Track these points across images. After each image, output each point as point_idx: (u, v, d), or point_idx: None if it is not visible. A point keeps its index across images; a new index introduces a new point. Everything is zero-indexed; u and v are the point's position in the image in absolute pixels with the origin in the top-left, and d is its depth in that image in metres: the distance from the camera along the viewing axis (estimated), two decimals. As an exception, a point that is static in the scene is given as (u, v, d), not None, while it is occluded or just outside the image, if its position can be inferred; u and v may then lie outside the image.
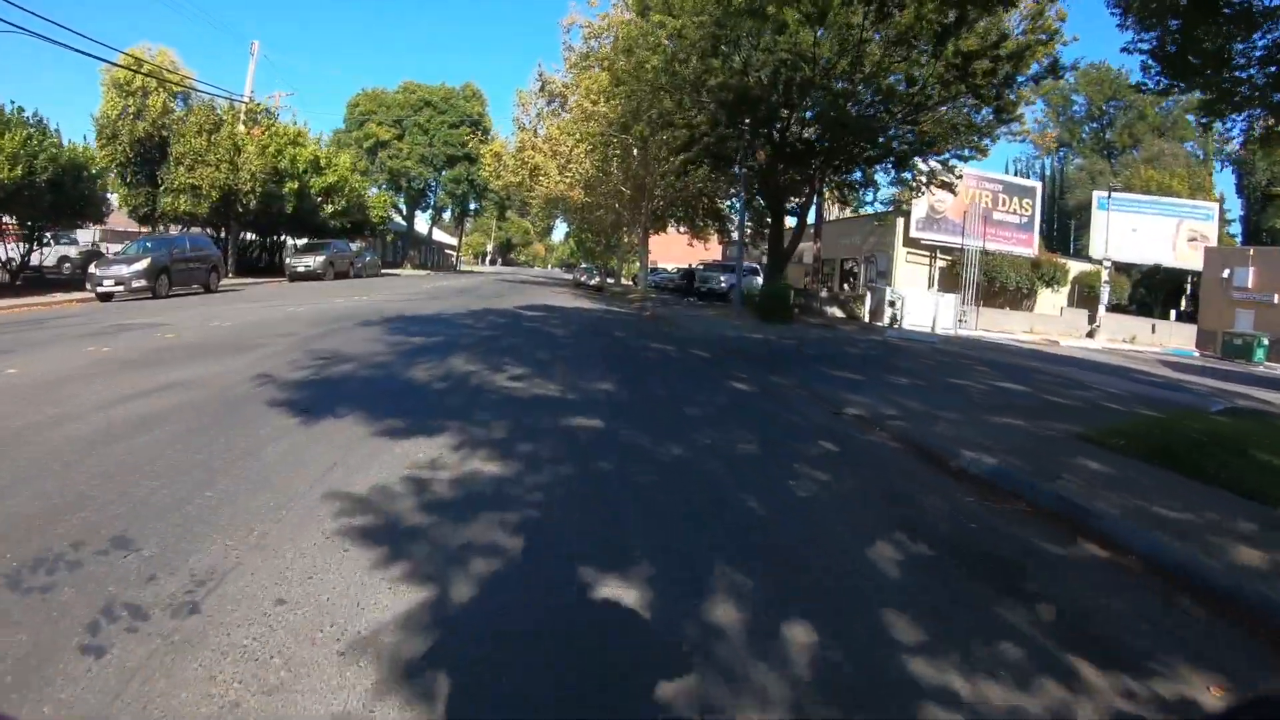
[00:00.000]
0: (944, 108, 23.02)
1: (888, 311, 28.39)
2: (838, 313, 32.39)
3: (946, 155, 26.44)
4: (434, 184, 66.89)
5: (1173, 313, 45.97)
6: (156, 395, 7.40)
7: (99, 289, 22.32)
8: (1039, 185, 46.52)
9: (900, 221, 39.58)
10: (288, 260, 35.97)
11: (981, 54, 20.02)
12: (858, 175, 26.58)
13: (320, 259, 35.25)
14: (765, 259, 39.29)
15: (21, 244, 27.52)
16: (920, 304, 29.73)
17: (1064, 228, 73.99)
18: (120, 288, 22.37)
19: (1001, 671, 3.10)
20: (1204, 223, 48.86)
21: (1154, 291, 50.26)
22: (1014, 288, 41.49)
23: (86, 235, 38.58)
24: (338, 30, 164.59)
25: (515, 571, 3.81)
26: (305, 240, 39.18)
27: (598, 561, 3.93)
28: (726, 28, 19.38)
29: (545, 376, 9.62)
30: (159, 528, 4.04)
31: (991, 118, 23.92)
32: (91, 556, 3.65)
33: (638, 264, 71.95)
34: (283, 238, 41.93)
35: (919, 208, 39.06)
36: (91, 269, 23.98)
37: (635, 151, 33.48)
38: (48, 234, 33.16)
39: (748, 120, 21.58)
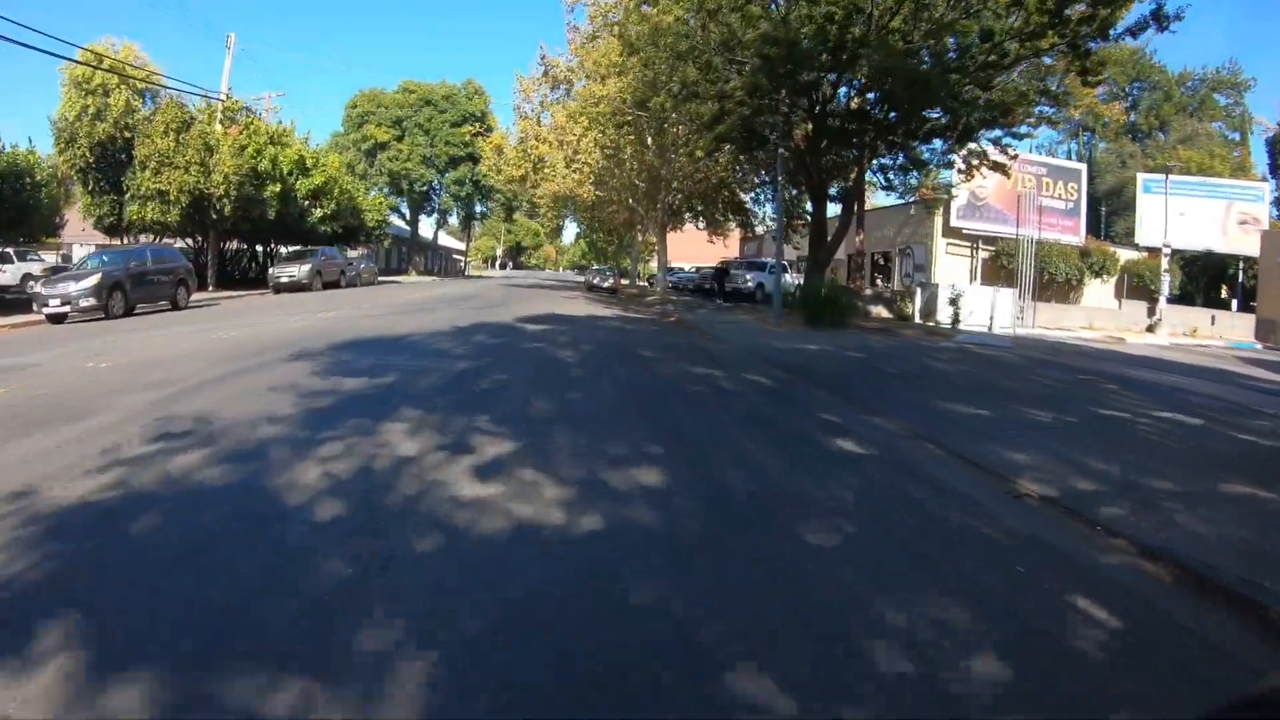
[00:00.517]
0: (1018, 69, 18.97)
1: (947, 310, 24.26)
2: (884, 312, 28.27)
3: (1000, 133, 22.38)
4: (437, 186, 62.95)
5: (1234, 302, 41.81)
6: None
7: (45, 310, 19.15)
8: (1083, 168, 42.17)
9: (939, 209, 35.61)
10: (270, 271, 32.09)
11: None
12: (910, 154, 22.44)
13: (306, 268, 31.38)
14: (800, 253, 35.32)
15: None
16: (976, 301, 25.65)
17: (1094, 214, 69.54)
18: (67, 307, 19.03)
19: None
20: (1254, 204, 44.43)
21: (1194, 279, 46.33)
22: (1063, 279, 37.55)
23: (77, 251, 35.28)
24: (336, 33, 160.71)
25: None
26: (295, 248, 35.21)
27: None
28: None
29: (541, 460, 5.52)
30: None
31: (1066, 81, 19.89)
32: None
33: (652, 264, 68.08)
34: (276, 247, 38.34)
35: (959, 194, 35.01)
36: (38, 287, 20.60)
37: (650, 140, 29.47)
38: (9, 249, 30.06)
39: (787, 87, 17.47)
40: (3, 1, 21.35)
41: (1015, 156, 31.97)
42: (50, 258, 35.28)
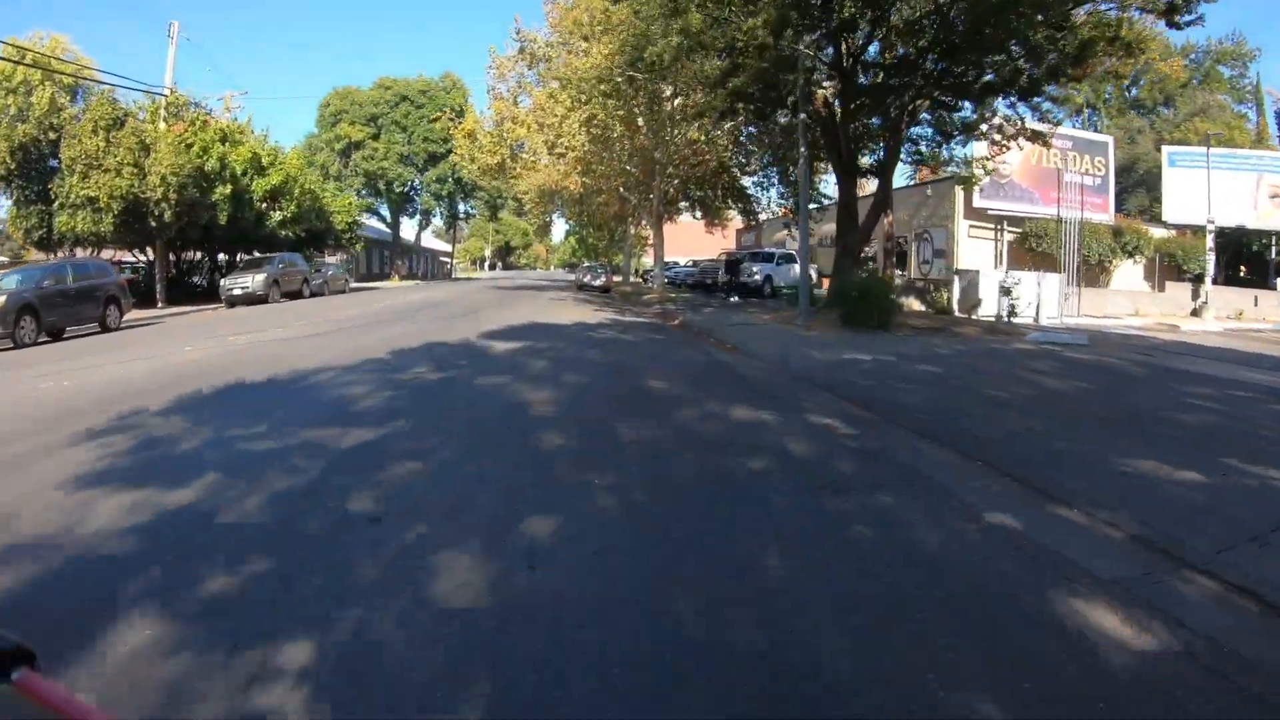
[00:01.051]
0: (1085, 7, 15.30)
1: (999, 302, 20.57)
2: (916, 305, 24.66)
3: (1038, 99, 18.75)
4: (417, 186, 58.99)
5: (1279, 281, 38.25)
6: None
7: (-65, 342, 15.44)
8: (1110, 140, 38.42)
9: (960, 190, 31.97)
10: (222, 283, 28.24)
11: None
12: (951, 116, 18.76)
13: (260, 278, 27.51)
14: (811, 240, 31.38)
15: None
16: (1020, 289, 22.03)
17: (1103, 191, 65.80)
18: (-40, 337, 15.53)
19: None
20: (1285, 176, 41.05)
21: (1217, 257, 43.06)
22: (1095, 260, 34.07)
23: None
24: (310, 32, 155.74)
25: None
26: (253, 256, 31.22)
27: None
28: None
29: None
30: None
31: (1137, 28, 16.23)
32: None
33: (645, 259, 64.10)
34: (240, 256, 34.28)
35: (983, 171, 31.34)
36: (-71, 317, 16.99)
37: (641, 121, 25.72)
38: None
39: (820, 28, 13.70)
40: None
41: (1059, 123, 28.36)
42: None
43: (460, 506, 4.56)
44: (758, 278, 29.34)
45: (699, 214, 36.40)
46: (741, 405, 7.66)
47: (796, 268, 32.21)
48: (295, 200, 31.49)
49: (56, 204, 26.20)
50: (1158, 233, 36.98)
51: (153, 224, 26.27)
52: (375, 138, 55.62)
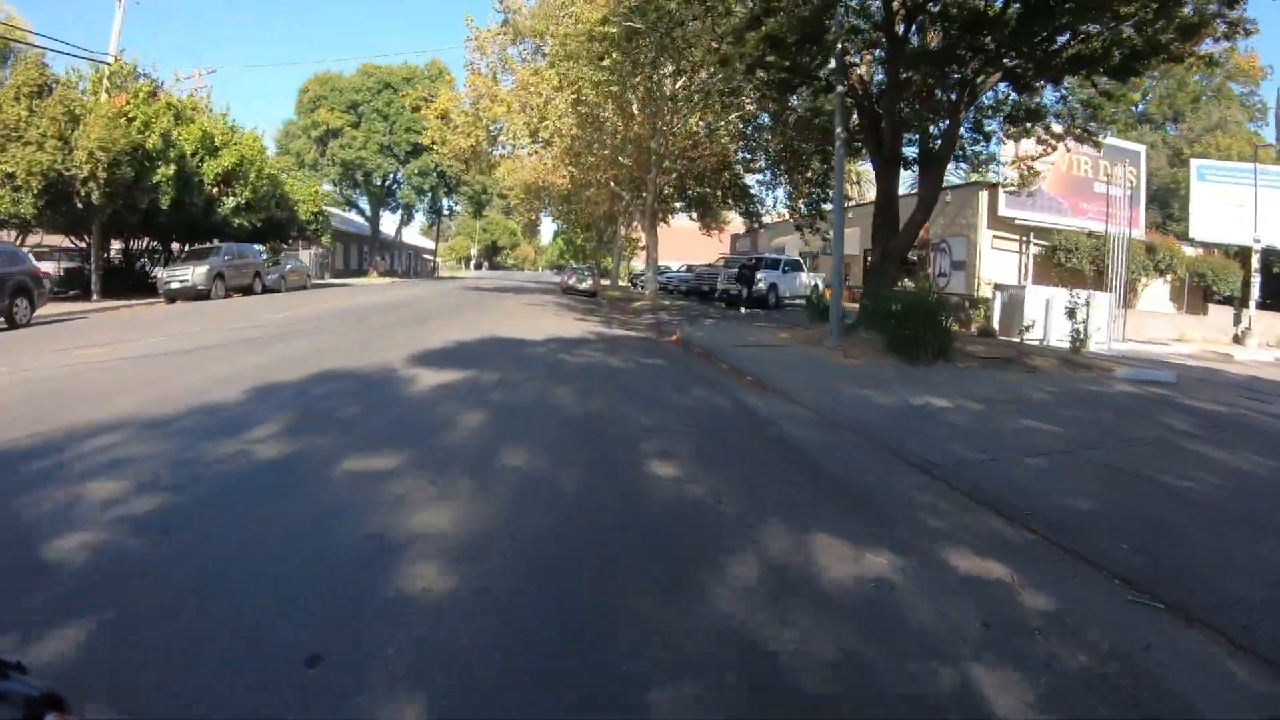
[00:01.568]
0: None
1: (1061, 325, 17.39)
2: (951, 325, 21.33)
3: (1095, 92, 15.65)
4: (399, 178, 55.41)
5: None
6: None
7: None
8: (1142, 150, 35.32)
9: (984, 196, 28.99)
10: (160, 274, 24.73)
11: None
12: (1026, 94, 15.54)
13: (202, 270, 24.02)
14: (810, 247, 27.65)
15: None
16: (1085, 311, 18.85)
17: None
18: None
19: None
20: (1320, 193, 38.04)
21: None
22: (1127, 279, 31.05)
23: None
24: (293, 14, 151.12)
25: None
26: (200, 246, 27.60)
27: None
28: None
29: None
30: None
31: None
32: None
33: (635, 263, 60.51)
34: (192, 245, 30.65)
35: (1009, 174, 28.16)
36: None
37: (636, 109, 22.40)
38: None
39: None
40: None
41: (1113, 123, 25.41)
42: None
43: None
44: (762, 287, 26.05)
45: (695, 215, 33.06)
46: (824, 529, 4.29)
47: (804, 276, 29.01)
48: (250, 185, 27.97)
49: (-28, 182, 22.73)
50: (1187, 251, 34.02)
51: (79, 205, 22.79)
52: (355, 126, 52.06)
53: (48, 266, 28.71)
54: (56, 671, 2.48)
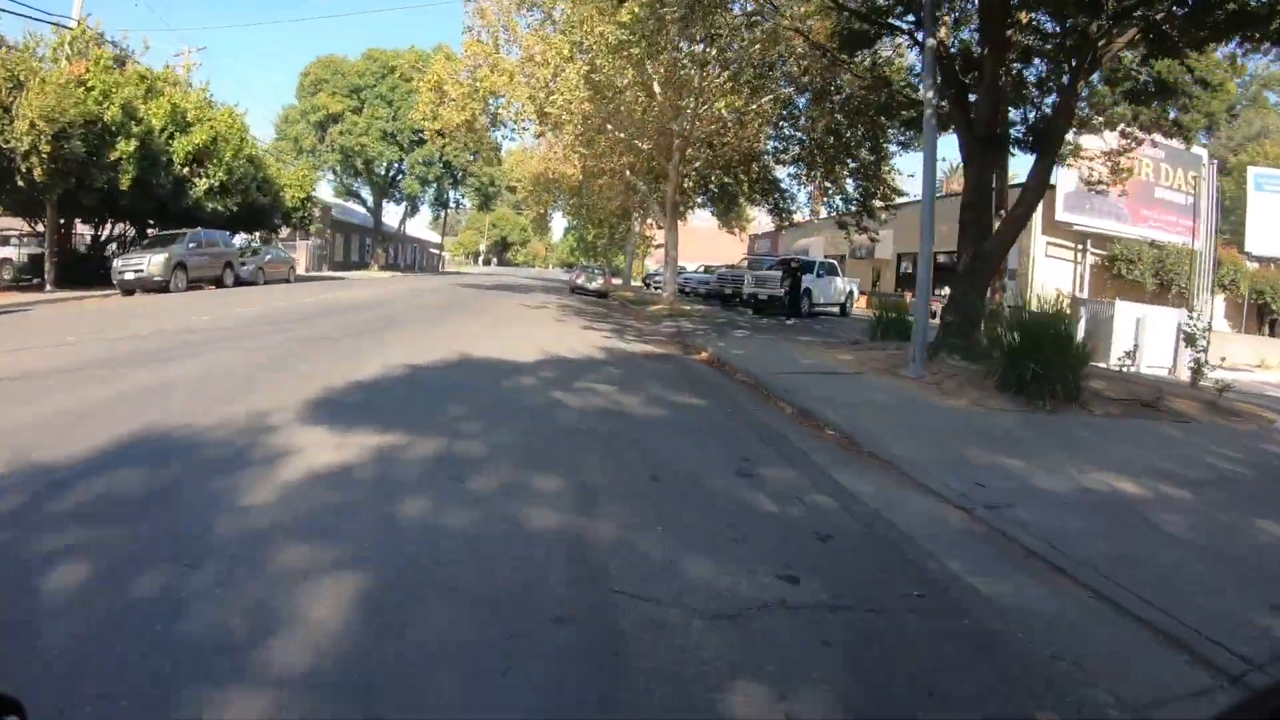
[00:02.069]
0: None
1: (1156, 349, 14.17)
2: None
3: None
4: (402, 167, 52.10)
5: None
6: None
7: None
8: (1205, 154, 31.81)
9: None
10: (115, 264, 21.55)
11: None
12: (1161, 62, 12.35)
13: (159, 259, 20.89)
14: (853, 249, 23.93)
15: None
16: (1158, 330, 15.61)
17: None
18: None
19: None
20: (1380, 206, 34.47)
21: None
22: (1184, 294, 27.97)
23: None
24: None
25: None
26: (168, 232, 24.36)
27: None
28: None
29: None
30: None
31: None
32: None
33: (647, 262, 56.95)
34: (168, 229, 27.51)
35: (1067, 180, 24.89)
36: None
37: (657, 87, 19.13)
38: None
39: None
40: None
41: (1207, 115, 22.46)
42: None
43: None
44: (782, 291, 22.72)
45: (717, 211, 29.67)
46: None
47: (840, 281, 25.68)
48: (225, 165, 24.80)
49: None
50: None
51: (19, 183, 19.68)
52: (357, 111, 48.79)
53: (7, 252, 25.77)
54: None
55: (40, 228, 24.73)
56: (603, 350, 12.12)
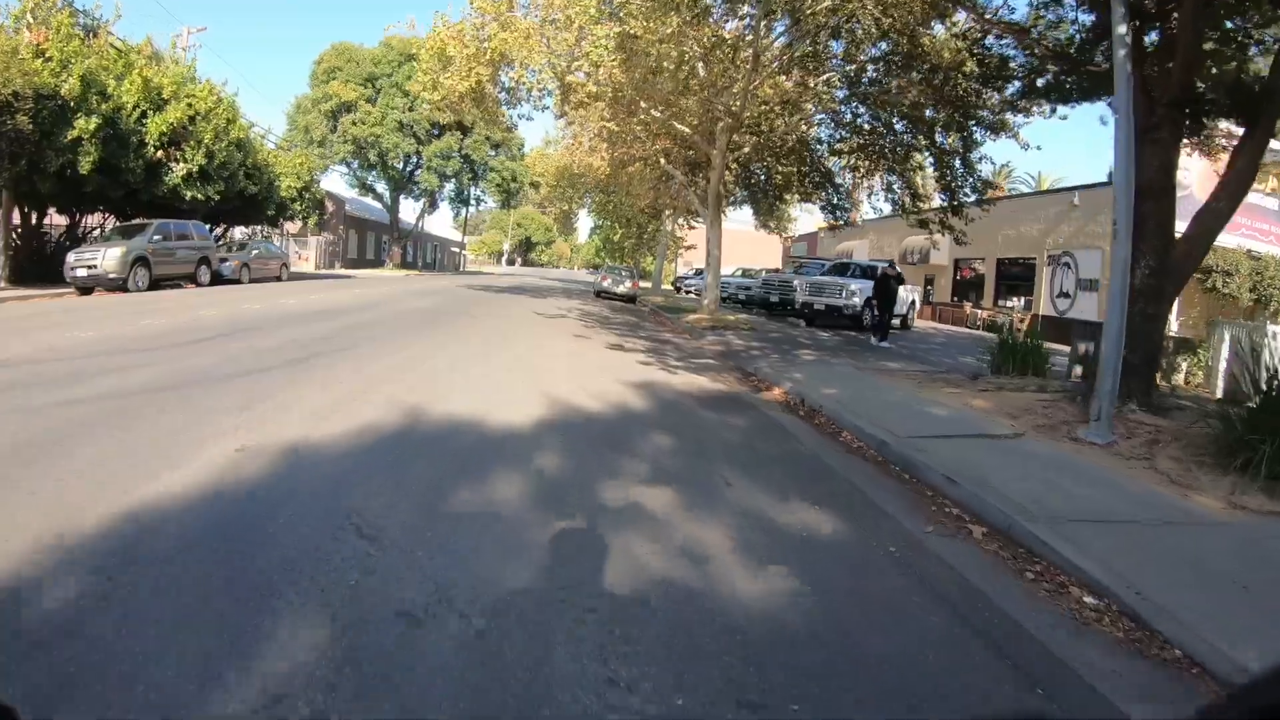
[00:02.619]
0: None
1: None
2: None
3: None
4: (419, 161, 48.73)
5: None
6: None
7: None
8: (1304, 149, 27.70)
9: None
10: (68, 258, 18.28)
11: None
12: None
13: (115, 253, 17.67)
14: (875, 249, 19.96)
15: None
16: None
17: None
18: None
19: None
20: None
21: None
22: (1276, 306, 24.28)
23: None
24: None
25: None
26: (134, 222, 21.05)
27: None
28: None
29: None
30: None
31: None
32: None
33: (679, 265, 52.82)
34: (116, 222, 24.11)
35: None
36: None
37: (700, 66, 15.55)
38: None
39: None
40: None
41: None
42: None
43: None
44: (856, 302, 19.04)
45: (762, 205, 26.03)
46: None
47: (902, 291, 22.05)
48: (204, 148, 21.51)
49: None
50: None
51: (-43, 162, 16.56)
52: (371, 101, 45.50)
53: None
54: None
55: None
56: (639, 389, 8.55)
